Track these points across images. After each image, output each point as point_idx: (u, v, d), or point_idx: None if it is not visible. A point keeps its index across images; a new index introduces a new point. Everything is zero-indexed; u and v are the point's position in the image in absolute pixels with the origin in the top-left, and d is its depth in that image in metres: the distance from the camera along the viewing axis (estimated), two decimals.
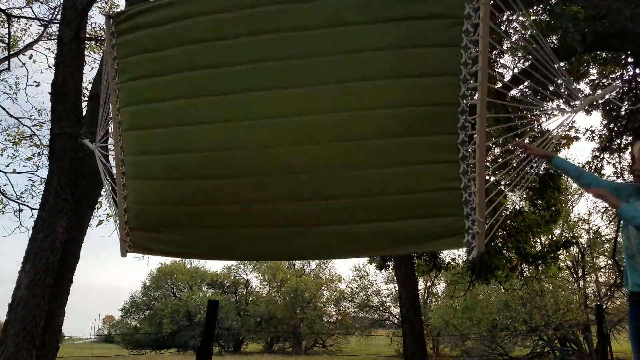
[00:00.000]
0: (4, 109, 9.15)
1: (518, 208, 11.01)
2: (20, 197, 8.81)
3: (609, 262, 14.36)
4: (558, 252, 10.29)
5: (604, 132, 9.02)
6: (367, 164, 2.24)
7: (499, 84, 7.53)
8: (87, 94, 5.25)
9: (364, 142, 2.22)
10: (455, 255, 13.98)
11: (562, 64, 6.94)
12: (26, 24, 9.41)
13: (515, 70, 8.86)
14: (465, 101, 2.20)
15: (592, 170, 9.46)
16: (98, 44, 8.70)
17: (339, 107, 2.21)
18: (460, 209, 2.25)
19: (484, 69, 2.18)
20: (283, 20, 2.24)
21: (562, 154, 10.42)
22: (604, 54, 7.69)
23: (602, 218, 11.26)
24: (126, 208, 2.74)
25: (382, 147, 2.21)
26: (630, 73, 7.83)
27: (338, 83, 2.20)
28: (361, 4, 2.20)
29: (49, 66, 9.11)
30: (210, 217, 2.55)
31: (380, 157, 2.22)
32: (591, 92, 8.75)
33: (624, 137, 8.45)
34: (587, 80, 8.38)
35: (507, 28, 7.44)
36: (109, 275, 79.06)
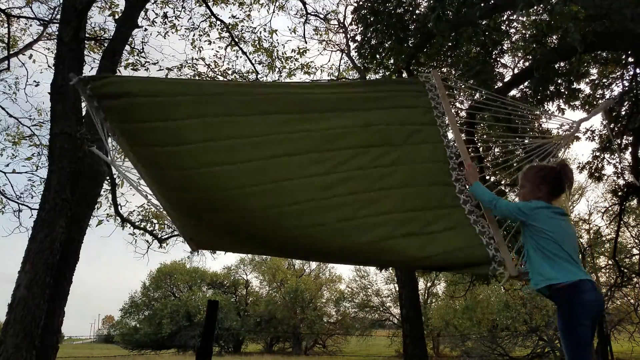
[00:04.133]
0: (3, 109, 9.15)
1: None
2: (20, 197, 8.82)
3: (610, 262, 14.35)
4: None
5: (604, 132, 9.01)
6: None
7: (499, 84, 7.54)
8: None
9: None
10: None
11: (562, 63, 6.94)
12: (26, 24, 9.41)
13: (516, 70, 8.87)
14: (452, 161, 2.72)
15: (593, 170, 9.46)
16: (98, 43, 8.70)
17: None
18: (478, 239, 2.48)
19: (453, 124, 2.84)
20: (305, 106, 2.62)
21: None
22: (604, 54, 7.68)
23: (602, 218, 11.23)
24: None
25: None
26: (631, 73, 7.83)
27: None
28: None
29: (49, 66, 9.11)
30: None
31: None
32: (591, 92, 8.75)
33: (624, 137, 8.44)
34: (587, 80, 8.37)
35: (507, 28, 7.44)
36: (109, 276, 79.06)
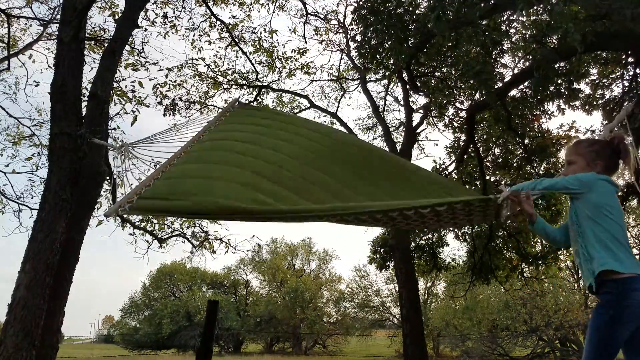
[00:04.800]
0: (3, 109, 9.15)
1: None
2: (20, 197, 8.82)
3: None
4: (558, 252, 10.29)
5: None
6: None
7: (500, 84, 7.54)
8: (87, 93, 5.24)
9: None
10: (455, 255, 13.98)
11: (562, 64, 6.94)
12: (26, 24, 9.42)
13: (516, 70, 8.87)
14: None
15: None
16: (98, 44, 8.70)
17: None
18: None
19: None
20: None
21: (563, 153, 10.42)
22: (604, 54, 7.68)
23: None
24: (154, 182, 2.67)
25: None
26: (631, 73, 7.82)
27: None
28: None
29: (49, 66, 9.11)
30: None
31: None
32: (591, 92, 8.75)
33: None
34: (587, 80, 8.37)
35: (507, 28, 7.43)
36: (109, 276, 79.06)
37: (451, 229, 11.53)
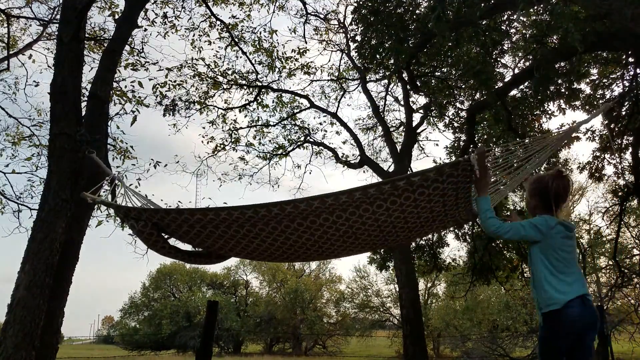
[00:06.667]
0: (3, 109, 9.11)
1: (518, 208, 11.01)
2: (20, 197, 8.79)
3: (610, 262, 14.34)
4: None
5: (604, 132, 9.01)
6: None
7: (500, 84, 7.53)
8: (87, 93, 5.23)
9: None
10: (455, 255, 13.98)
11: (562, 63, 6.94)
12: (25, 24, 9.41)
13: (516, 70, 8.87)
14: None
15: (593, 171, 9.45)
16: (98, 44, 8.69)
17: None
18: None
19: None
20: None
21: (563, 153, 10.40)
22: (604, 54, 7.68)
23: (602, 219, 11.23)
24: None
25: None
26: (631, 73, 7.82)
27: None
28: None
29: (48, 66, 9.10)
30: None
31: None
32: (592, 92, 8.75)
33: (625, 137, 8.44)
34: (587, 80, 8.37)
35: (507, 28, 7.43)
36: (108, 276, 79.07)
37: (451, 228, 11.52)
